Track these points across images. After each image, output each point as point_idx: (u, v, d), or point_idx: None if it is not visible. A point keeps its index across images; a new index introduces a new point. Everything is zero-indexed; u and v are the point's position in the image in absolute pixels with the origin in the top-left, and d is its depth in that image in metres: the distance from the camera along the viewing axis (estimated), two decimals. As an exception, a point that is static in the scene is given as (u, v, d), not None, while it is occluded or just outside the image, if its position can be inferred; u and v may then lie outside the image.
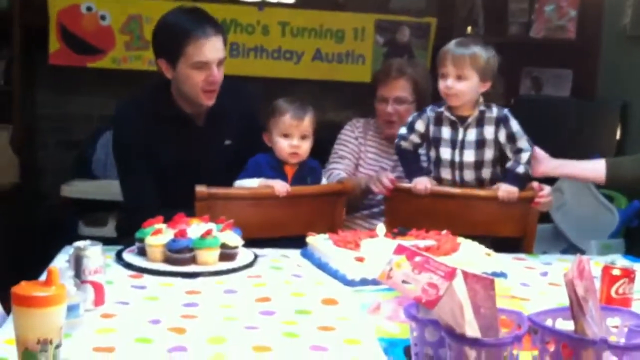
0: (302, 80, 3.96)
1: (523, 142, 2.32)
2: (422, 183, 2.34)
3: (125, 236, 2.08)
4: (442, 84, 2.30)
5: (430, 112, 2.38)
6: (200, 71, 2.27)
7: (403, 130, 2.42)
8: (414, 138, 2.40)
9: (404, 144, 2.42)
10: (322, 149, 2.52)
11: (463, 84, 2.26)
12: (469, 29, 4.08)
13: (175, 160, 2.36)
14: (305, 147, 2.35)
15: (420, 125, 2.39)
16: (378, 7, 4.08)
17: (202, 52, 2.25)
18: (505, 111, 2.34)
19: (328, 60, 4.03)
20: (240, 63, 3.97)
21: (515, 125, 2.33)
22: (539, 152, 2.37)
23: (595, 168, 2.37)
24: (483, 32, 4.08)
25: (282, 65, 4.02)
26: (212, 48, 2.27)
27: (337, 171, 2.63)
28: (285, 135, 2.32)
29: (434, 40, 4.06)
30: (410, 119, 2.42)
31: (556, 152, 2.49)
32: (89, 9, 3.87)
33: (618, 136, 3.76)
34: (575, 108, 3.92)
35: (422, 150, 2.46)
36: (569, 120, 3.83)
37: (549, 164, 2.37)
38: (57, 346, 1.27)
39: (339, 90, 4.05)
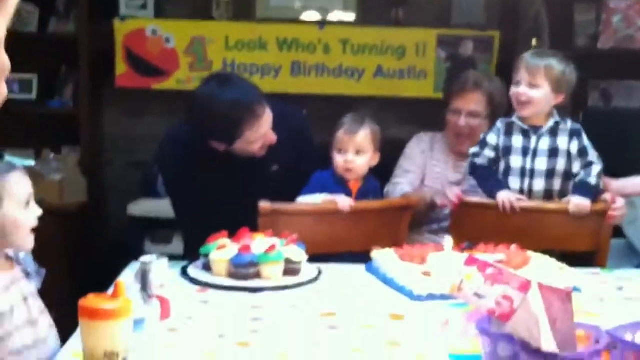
0: (363, 97, 3.95)
1: (593, 156, 2.30)
2: (507, 198, 2.25)
3: (192, 254, 2.08)
4: (514, 90, 2.30)
5: (500, 124, 2.36)
6: (258, 141, 2.26)
7: (475, 149, 2.38)
8: (488, 152, 2.35)
9: (478, 160, 2.36)
10: (383, 165, 2.48)
11: (535, 92, 2.26)
12: (534, 41, 4.00)
13: (221, 189, 2.33)
14: (360, 163, 2.31)
15: (492, 139, 2.35)
16: (439, 22, 4.03)
17: (259, 132, 2.23)
18: (579, 125, 2.35)
19: (390, 76, 4.01)
20: (301, 81, 3.99)
21: (587, 140, 2.32)
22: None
23: None
24: (548, 45, 4.00)
25: (344, 83, 4.02)
26: (266, 124, 2.24)
27: (401, 185, 2.59)
28: (340, 150, 2.31)
29: (497, 54, 3.99)
30: (481, 136, 2.40)
31: (628, 167, 2.39)
32: (154, 32, 3.94)
33: (694, 149, 3.62)
34: (647, 120, 3.79)
35: None
36: (640, 133, 3.70)
37: (613, 187, 2.31)
38: (124, 359, 1.27)
39: (401, 106, 4.02)
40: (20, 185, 1.55)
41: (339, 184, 2.31)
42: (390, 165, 2.71)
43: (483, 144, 2.36)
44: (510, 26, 4.00)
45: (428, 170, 2.66)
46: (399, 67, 4.00)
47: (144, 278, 1.56)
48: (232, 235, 1.96)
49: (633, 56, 3.93)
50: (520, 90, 2.27)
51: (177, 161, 2.38)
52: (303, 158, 2.43)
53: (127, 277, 1.74)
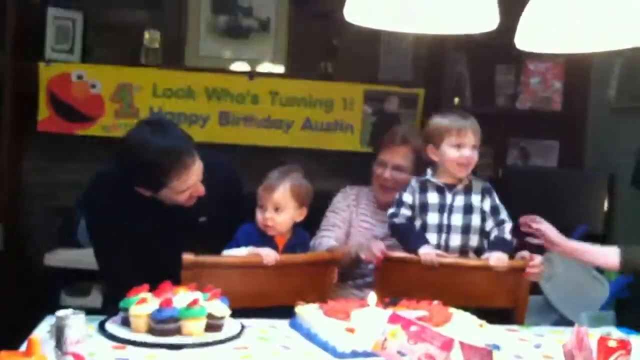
0: (291, 148, 3.98)
1: (504, 214, 2.39)
2: (430, 254, 2.29)
3: (112, 307, 2.01)
4: (456, 154, 2.34)
5: (414, 182, 2.43)
6: (185, 192, 2.23)
7: (392, 210, 2.43)
8: (405, 211, 2.40)
9: (396, 220, 2.41)
10: (310, 217, 2.49)
11: (476, 154, 2.35)
12: (456, 100, 4.13)
13: (146, 237, 2.29)
14: (279, 220, 2.30)
15: (407, 198, 2.41)
16: (367, 78, 4.12)
17: (187, 183, 2.21)
18: (489, 185, 2.44)
19: (317, 129, 4.06)
20: (230, 131, 3.99)
21: (497, 198, 2.41)
22: (553, 231, 2.37)
23: (608, 256, 2.35)
24: (470, 103, 4.13)
25: (272, 134, 4.04)
26: (194, 175, 2.22)
27: (327, 239, 2.60)
28: (260, 207, 2.31)
29: (422, 111, 4.10)
30: (396, 196, 2.44)
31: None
32: (79, 77, 3.89)
33: (606, 207, 3.77)
34: (562, 179, 3.94)
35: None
36: (556, 190, 3.84)
37: (565, 246, 2.37)
38: (35, 421, 1.21)
39: (329, 159, 4.06)
40: None
41: (265, 238, 2.30)
42: (317, 217, 2.72)
43: (399, 203, 2.42)
44: (434, 84, 4.13)
45: (354, 224, 2.68)
46: (327, 120, 4.06)
47: (59, 333, 1.51)
48: (154, 288, 1.92)
49: (549, 117, 4.11)
50: (467, 153, 2.34)
51: (102, 204, 2.32)
52: (232, 210, 2.41)
53: (42, 332, 1.68)
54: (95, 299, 3.32)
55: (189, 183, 2.21)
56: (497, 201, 2.40)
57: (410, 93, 4.12)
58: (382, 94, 4.11)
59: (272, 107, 4.03)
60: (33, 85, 3.79)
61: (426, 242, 2.34)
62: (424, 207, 2.38)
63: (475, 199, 2.38)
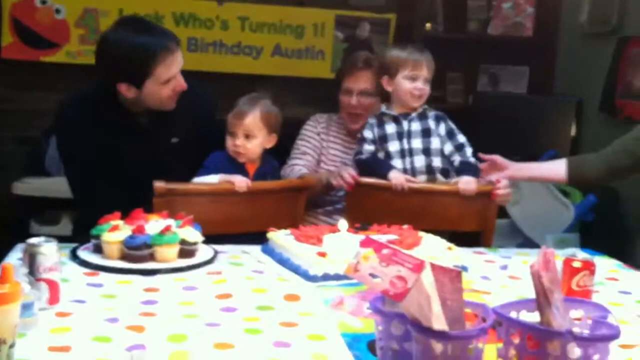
0: (261, 76, 3.94)
1: (462, 137, 2.46)
2: (399, 179, 2.33)
3: (82, 235, 2.01)
4: (411, 85, 2.41)
5: (371, 119, 2.47)
6: (168, 84, 2.22)
7: (356, 148, 2.48)
8: (368, 147, 2.44)
9: (362, 157, 2.44)
10: (281, 145, 2.49)
11: (428, 87, 2.43)
12: (428, 25, 4.10)
13: (119, 158, 2.27)
14: (250, 147, 2.30)
15: (368, 134, 2.45)
16: (338, 3, 4.07)
17: (171, 69, 2.21)
18: (442, 113, 2.50)
19: (288, 55, 4.01)
20: (199, 58, 3.93)
21: (451, 123, 2.47)
22: (501, 159, 2.43)
23: (556, 169, 2.40)
24: (442, 29, 4.10)
25: (242, 61, 3.99)
26: (178, 62, 2.23)
27: (298, 167, 2.61)
28: (231, 134, 2.30)
29: (394, 36, 4.07)
30: (358, 135, 2.50)
31: (512, 147, 2.52)
32: (43, 2, 3.78)
33: (573, 132, 3.82)
34: (531, 104, 3.97)
35: None
36: (525, 116, 3.88)
37: (512, 168, 2.41)
38: (11, 346, 1.22)
39: (299, 86, 4.03)
40: None
41: (235, 165, 2.30)
42: (288, 145, 2.72)
43: (361, 141, 2.46)
44: (406, 9, 4.08)
45: (324, 152, 2.69)
46: (297, 47, 4.01)
47: (31, 261, 1.51)
48: (126, 215, 1.91)
49: (521, 43, 4.10)
50: (421, 85, 2.41)
51: (74, 122, 2.29)
52: (205, 135, 2.39)
53: (13, 260, 1.67)
54: (65, 227, 3.31)
55: (173, 70, 2.21)
56: (452, 125, 2.46)
57: (381, 18, 4.07)
58: (353, 20, 4.06)
59: (242, 33, 3.97)
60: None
61: (393, 167, 2.37)
62: (383, 138, 2.43)
63: (431, 124, 2.44)
